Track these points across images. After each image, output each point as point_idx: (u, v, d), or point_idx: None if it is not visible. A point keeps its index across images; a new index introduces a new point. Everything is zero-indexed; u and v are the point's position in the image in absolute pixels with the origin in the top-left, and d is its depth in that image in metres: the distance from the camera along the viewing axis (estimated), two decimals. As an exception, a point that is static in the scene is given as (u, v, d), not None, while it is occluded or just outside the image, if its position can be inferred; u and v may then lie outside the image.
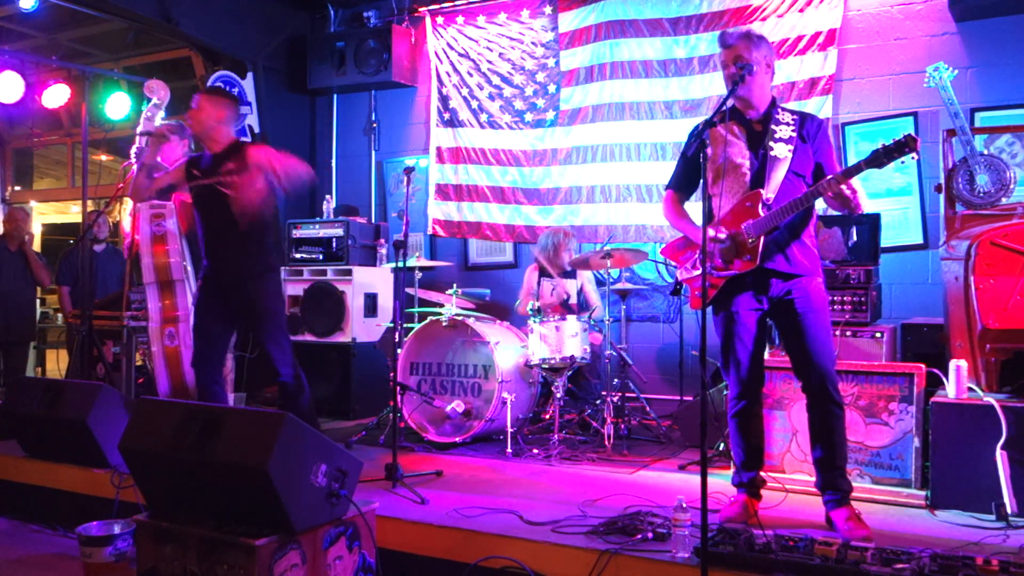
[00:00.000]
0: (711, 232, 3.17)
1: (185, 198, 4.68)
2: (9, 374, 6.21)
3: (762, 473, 3.42)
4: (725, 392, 4.39)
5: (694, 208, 3.42)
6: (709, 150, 3.23)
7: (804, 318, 3.14)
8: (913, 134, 2.88)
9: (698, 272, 3.30)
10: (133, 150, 4.69)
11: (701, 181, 2.94)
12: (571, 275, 5.52)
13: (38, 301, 9.49)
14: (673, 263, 3.55)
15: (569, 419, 5.02)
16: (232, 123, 4.02)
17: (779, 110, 3.27)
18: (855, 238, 4.32)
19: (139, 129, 4.75)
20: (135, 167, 4.71)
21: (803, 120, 3.26)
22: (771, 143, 3.19)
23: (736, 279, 3.22)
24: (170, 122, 4.28)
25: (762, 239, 3.13)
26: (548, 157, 6.25)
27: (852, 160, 5.20)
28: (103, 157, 8.97)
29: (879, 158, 2.92)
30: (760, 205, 3.14)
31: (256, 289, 3.98)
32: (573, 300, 5.45)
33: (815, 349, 3.13)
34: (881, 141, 2.93)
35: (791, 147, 3.18)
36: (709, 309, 3.33)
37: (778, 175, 3.16)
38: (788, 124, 3.22)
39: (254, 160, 3.81)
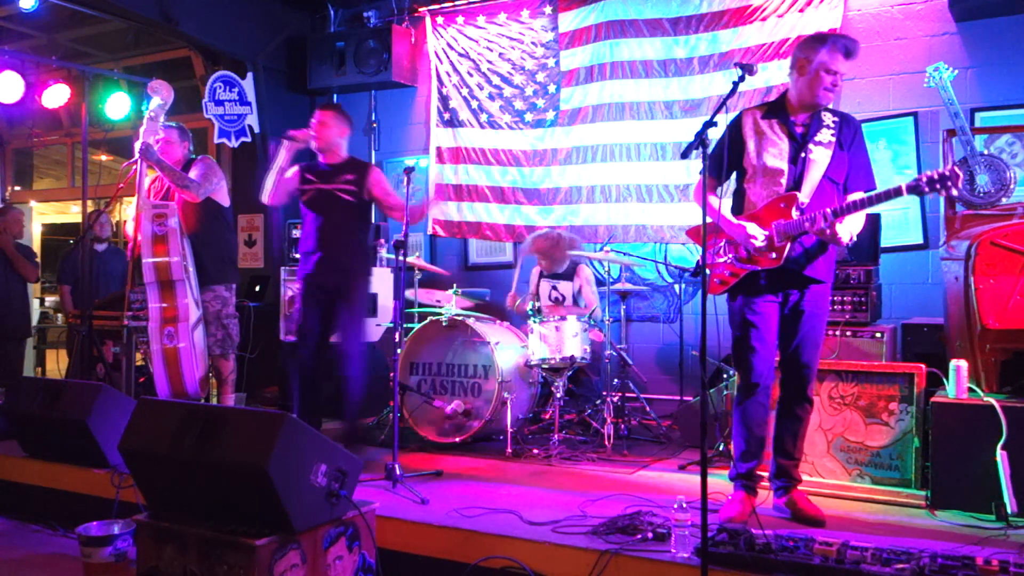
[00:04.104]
0: (759, 237, 3.19)
1: (189, 198, 4.68)
2: (6, 372, 6.20)
3: (760, 471, 3.42)
4: (725, 392, 4.40)
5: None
6: (750, 143, 3.25)
7: (807, 321, 3.24)
8: (958, 170, 2.90)
9: (722, 259, 3.34)
10: (138, 147, 4.65)
11: (736, 170, 3.13)
12: (567, 276, 5.50)
13: (37, 301, 9.51)
14: (698, 245, 3.59)
15: (569, 419, 5.02)
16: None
17: (822, 112, 3.27)
18: (855, 238, 4.32)
19: (143, 129, 4.72)
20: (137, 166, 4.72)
21: (842, 124, 3.26)
22: (811, 146, 3.20)
23: (755, 274, 3.26)
24: (302, 133, 4.45)
25: (789, 241, 3.17)
26: (548, 157, 6.25)
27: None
28: (103, 157, 8.96)
29: (920, 188, 2.95)
30: (794, 208, 3.16)
31: None
32: (568, 302, 5.44)
33: (808, 350, 3.26)
34: (925, 171, 3.03)
35: (829, 152, 3.20)
36: (723, 298, 3.38)
37: (813, 179, 3.19)
38: (829, 127, 3.24)
39: None
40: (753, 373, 3.28)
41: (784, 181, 3.22)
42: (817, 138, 3.21)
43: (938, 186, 2.90)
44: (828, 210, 3.07)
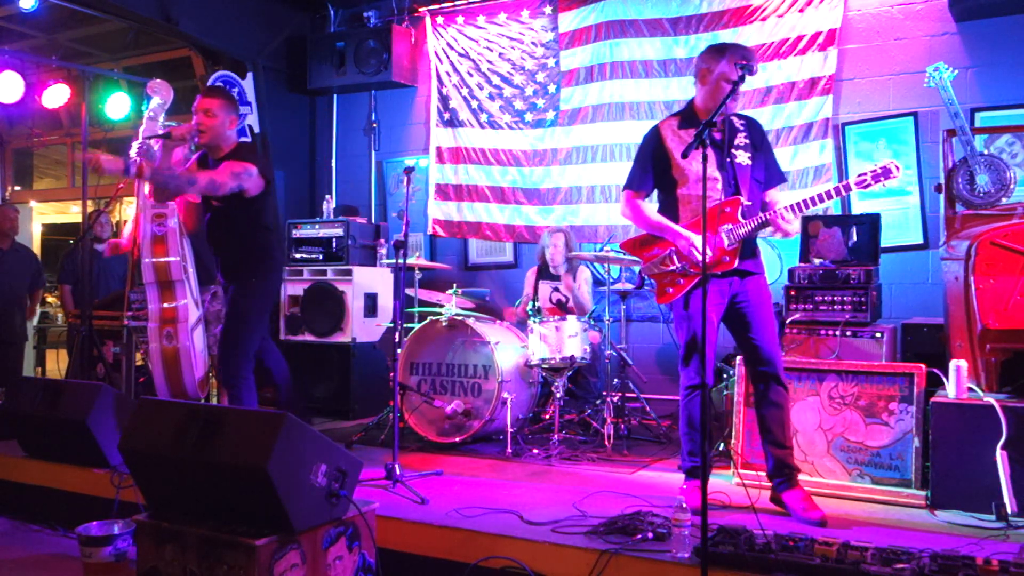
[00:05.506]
0: (699, 244, 3.23)
1: (191, 198, 4.68)
2: (6, 374, 6.20)
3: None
4: (725, 392, 4.40)
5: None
6: (674, 155, 3.36)
7: (755, 310, 3.36)
8: (896, 164, 3.09)
9: (668, 269, 3.43)
10: (133, 150, 4.66)
11: (662, 182, 3.31)
12: (569, 276, 5.49)
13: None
14: (635, 257, 3.63)
15: (569, 419, 5.02)
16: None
17: (730, 117, 3.39)
18: (855, 238, 4.32)
19: (142, 129, 4.73)
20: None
21: (750, 127, 3.43)
22: (734, 151, 3.33)
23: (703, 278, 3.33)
24: (176, 124, 4.30)
25: (740, 244, 3.27)
26: (548, 157, 6.25)
27: (852, 159, 5.23)
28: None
29: (866, 183, 3.12)
30: (739, 212, 3.26)
31: None
32: (571, 302, 5.44)
33: (768, 339, 3.36)
34: (869, 165, 3.16)
35: (749, 155, 3.36)
36: (677, 301, 3.44)
37: (746, 182, 3.33)
38: (740, 131, 3.39)
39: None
40: (701, 373, 3.32)
41: (720, 187, 3.31)
42: (736, 142, 3.34)
43: (882, 179, 3.09)
44: (792, 205, 3.20)
